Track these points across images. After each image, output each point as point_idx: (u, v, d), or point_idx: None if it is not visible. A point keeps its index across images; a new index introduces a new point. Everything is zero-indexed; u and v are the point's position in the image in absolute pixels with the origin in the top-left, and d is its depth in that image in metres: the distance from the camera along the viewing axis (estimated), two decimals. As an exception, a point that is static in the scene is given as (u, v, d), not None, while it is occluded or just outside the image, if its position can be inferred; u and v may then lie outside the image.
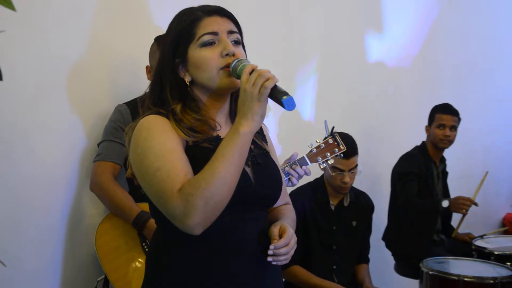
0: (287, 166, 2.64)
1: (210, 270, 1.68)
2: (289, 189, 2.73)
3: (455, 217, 4.54)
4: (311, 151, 2.78)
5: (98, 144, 2.89)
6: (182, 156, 1.62)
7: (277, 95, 1.59)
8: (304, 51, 4.36)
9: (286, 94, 1.58)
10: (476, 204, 4.08)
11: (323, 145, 2.79)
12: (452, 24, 5.68)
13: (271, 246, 1.65)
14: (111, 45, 3.10)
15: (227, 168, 1.54)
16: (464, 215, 4.11)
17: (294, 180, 2.65)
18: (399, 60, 5.18)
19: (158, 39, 2.81)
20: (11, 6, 1.57)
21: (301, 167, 2.66)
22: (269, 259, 1.67)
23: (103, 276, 2.83)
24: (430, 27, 5.47)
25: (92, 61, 3.02)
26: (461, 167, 5.23)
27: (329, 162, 2.80)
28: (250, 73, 1.58)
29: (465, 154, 4.92)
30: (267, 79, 1.56)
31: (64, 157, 2.95)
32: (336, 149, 2.80)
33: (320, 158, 2.77)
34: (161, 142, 1.61)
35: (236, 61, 1.66)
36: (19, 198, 2.72)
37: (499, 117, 6.38)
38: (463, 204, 4.03)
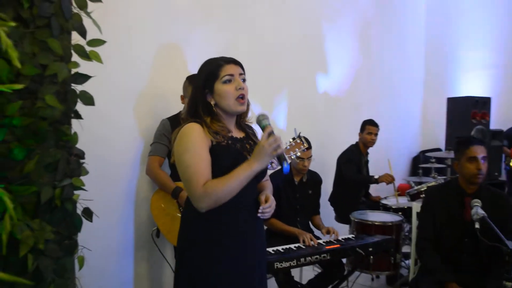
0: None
1: (221, 223, 1.72)
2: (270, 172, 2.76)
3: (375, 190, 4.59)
4: (286, 147, 2.81)
5: (151, 145, 2.89)
6: (207, 159, 1.66)
7: (281, 159, 1.67)
8: (279, 84, 4.37)
9: (286, 161, 1.67)
10: (393, 177, 4.21)
11: (293, 143, 2.82)
12: (369, 68, 5.70)
13: (260, 208, 1.72)
14: (160, 82, 3.10)
15: (236, 185, 1.63)
16: (390, 183, 4.20)
17: (274, 165, 2.68)
18: (338, 91, 5.18)
19: (189, 78, 2.83)
20: (99, 60, 1.58)
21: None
22: (259, 215, 1.74)
23: (156, 227, 2.84)
24: (356, 70, 5.49)
25: (147, 91, 3.04)
26: (373, 155, 5.26)
27: (297, 154, 2.83)
28: (269, 135, 1.64)
29: (375, 147, 4.94)
30: (279, 147, 1.63)
31: (131, 153, 2.98)
32: (301, 146, 2.83)
33: (292, 152, 2.80)
34: (194, 146, 1.65)
35: (261, 115, 1.73)
36: (104, 175, 2.72)
37: (399, 127, 6.44)
38: (387, 177, 4.16)
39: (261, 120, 1.70)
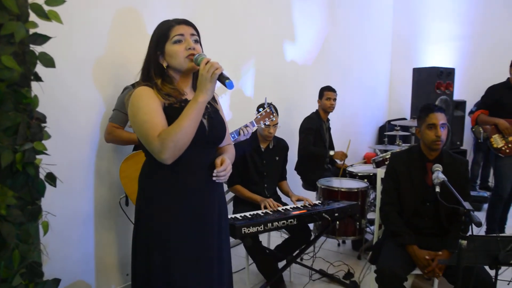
0: (241, 127, 2.76)
1: (176, 183, 1.72)
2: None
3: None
4: (256, 117, 2.85)
5: (113, 110, 2.81)
6: (161, 114, 1.65)
7: (222, 79, 1.63)
8: (246, 52, 4.33)
9: (228, 79, 1.64)
10: (346, 156, 4.29)
11: (263, 113, 2.86)
12: (337, 37, 5.72)
13: (215, 171, 1.72)
14: (118, 48, 3.01)
15: (188, 123, 1.60)
16: (342, 160, 4.29)
17: (242, 136, 2.72)
18: (304, 59, 5.20)
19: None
20: (59, 20, 1.53)
21: (246, 127, 2.76)
22: (214, 178, 1.74)
23: (124, 195, 2.83)
24: (324, 38, 5.50)
25: (107, 58, 2.94)
26: (340, 125, 5.33)
27: (266, 123, 2.88)
28: (206, 64, 1.62)
29: (341, 115, 5.00)
30: (216, 69, 1.61)
31: (92, 118, 2.91)
32: (271, 116, 2.87)
33: (262, 122, 2.84)
34: (147, 104, 1.64)
35: (198, 54, 1.69)
36: (69, 141, 2.70)
37: (364, 96, 6.53)
38: (341, 156, 4.26)
39: (197, 58, 1.67)
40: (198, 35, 1.78)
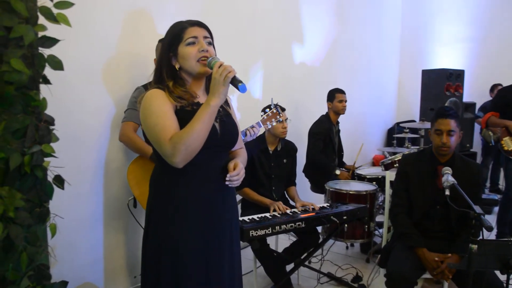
0: (247, 128, 2.75)
1: (188, 188, 1.70)
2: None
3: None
4: (263, 117, 2.85)
5: (125, 111, 2.83)
6: (172, 116, 1.63)
7: (235, 82, 1.61)
8: (255, 54, 4.33)
9: (241, 82, 1.62)
10: (355, 169, 4.24)
11: (270, 113, 2.85)
12: (345, 39, 5.70)
13: (228, 176, 1.69)
14: (127, 49, 3.02)
15: (200, 127, 1.57)
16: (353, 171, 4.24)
17: (248, 136, 2.71)
18: (313, 61, 5.19)
19: (161, 40, 2.76)
20: (68, 23, 1.53)
21: (252, 128, 2.75)
22: (227, 183, 1.71)
23: (132, 197, 2.83)
24: (331, 41, 5.48)
25: (117, 60, 2.95)
26: (349, 127, 5.31)
27: (273, 124, 2.87)
28: (219, 67, 1.60)
29: (349, 118, 4.99)
30: (229, 72, 1.59)
31: (102, 119, 2.92)
32: (278, 116, 2.87)
33: (268, 123, 2.84)
34: (158, 107, 1.63)
35: (211, 58, 1.67)
36: (77, 144, 2.72)
37: (373, 98, 6.50)
38: (346, 177, 4.13)
39: (210, 62, 1.66)
40: (212, 37, 1.76)
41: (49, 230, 1.62)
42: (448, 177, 2.31)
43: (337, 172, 4.18)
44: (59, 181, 1.62)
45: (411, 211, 2.69)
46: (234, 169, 1.72)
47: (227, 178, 1.70)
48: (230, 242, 1.82)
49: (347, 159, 4.70)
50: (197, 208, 1.70)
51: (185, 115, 1.65)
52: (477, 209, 1.87)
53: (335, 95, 4.36)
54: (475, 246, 1.81)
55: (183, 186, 1.69)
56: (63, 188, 1.62)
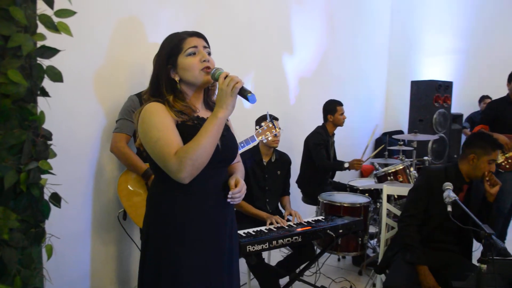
0: (242, 141, 2.71)
1: (189, 206, 1.63)
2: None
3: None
4: (257, 131, 2.80)
5: (117, 121, 2.73)
6: (175, 131, 1.55)
7: (244, 93, 1.54)
8: (246, 65, 4.28)
9: (250, 92, 1.55)
10: (363, 161, 4.20)
11: (265, 127, 2.80)
12: (335, 51, 5.69)
13: (230, 193, 1.64)
14: (118, 58, 2.92)
15: (207, 140, 1.50)
16: (359, 168, 4.20)
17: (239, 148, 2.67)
18: (304, 72, 5.15)
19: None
20: (69, 33, 1.44)
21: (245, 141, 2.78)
22: (228, 200, 1.65)
23: (122, 210, 2.72)
24: (323, 52, 5.46)
25: (109, 68, 2.85)
26: (337, 137, 5.29)
27: (269, 139, 2.82)
28: (225, 78, 1.53)
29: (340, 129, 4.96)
30: (237, 82, 1.52)
31: (91, 130, 2.81)
32: (273, 130, 2.83)
33: (263, 136, 2.78)
34: (160, 121, 1.54)
35: (215, 69, 1.61)
36: (68, 158, 2.58)
37: (363, 109, 6.49)
38: (357, 164, 4.14)
39: (215, 73, 1.59)
40: (209, 47, 1.70)
41: (44, 251, 1.52)
42: (449, 193, 2.27)
43: (346, 165, 4.15)
44: (56, 199, 1.51)
45: (423, 223, 2.65)
46: (236, 186, 1.66)
47: (229, 196, 1.64)
48: (229, 259, 1.76)
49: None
50: (198, 225, 1.63)
51: (186, 130, 1.57)
52: (486, 228, 1.83)
53: (336, 108, 4.32)
54: (484, 266, 1.77)
55: (183, 202, 1.62)
56: (59, 207, 1.52)
